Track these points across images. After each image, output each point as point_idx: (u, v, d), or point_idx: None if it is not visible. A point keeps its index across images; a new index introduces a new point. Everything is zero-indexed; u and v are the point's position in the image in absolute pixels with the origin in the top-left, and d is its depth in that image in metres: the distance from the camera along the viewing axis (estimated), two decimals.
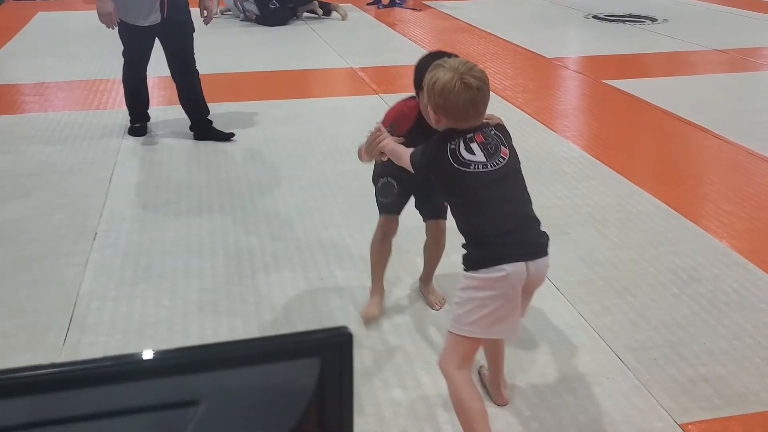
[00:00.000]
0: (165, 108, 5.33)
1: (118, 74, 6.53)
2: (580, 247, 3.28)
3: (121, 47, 4.64)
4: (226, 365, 0.49)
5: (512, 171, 1.98)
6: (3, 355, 2.55)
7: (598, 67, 6.76)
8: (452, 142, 1.95)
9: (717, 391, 2.33)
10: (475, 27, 8.78)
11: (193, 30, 4.67)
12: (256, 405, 0.49)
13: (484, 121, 2.01)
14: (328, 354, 0.50)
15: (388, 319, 2.75)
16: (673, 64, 6.94)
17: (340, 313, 2.80)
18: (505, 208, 1.97)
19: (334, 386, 0.50)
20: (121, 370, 0.49)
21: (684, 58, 7.13)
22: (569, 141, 4.70)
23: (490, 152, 1.95)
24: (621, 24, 8.98)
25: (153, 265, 3.17)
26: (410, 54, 7.25)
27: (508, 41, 7.93)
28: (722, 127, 4.91)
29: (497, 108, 5.41)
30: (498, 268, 1.87)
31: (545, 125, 5.02)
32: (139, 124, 4.87)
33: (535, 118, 5.17)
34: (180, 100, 4.83)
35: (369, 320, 2.71)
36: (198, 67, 4.73)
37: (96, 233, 3.46)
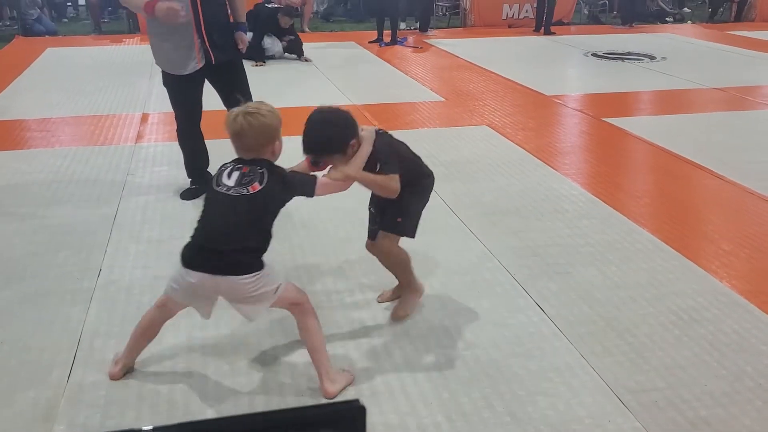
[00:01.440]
0: (168, 144, 5.39)
1: (125, 110, 6.64)
2: (581, 287, 3.30)
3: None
4: None
5: (247, 202, 2.30)
6: (7, 392, 2.57)
7: (598, 105, 6.84)
8: (223, 167, 2.41)
9: None
10: (475, 65, 8.90)
11: (243, 67, 4.37)
12: None
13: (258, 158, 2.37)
14: (343, 425, 0.53)
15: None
16: (672, 102, 7.02)
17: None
18: (210, 224, 2.38)
19: None
20: None
21: (683, 97, 7.21)
22: (569, 179, 4.75)
23: (242, 183, 2.32)
24: (620, 62, 9.10)
25: None
26: (412, 92, 7.36)
27: (507, 79, 8.04)
28: (721, 165, 4.97)
29: (497, 144, 5.48)
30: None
31: (545, 163, 5.07)
32: (196, 186, 4.44)
33: (535, 155, 5.23)
34: None
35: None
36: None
37: (100, 270, 3.49)
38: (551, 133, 5.97)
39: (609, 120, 6.24)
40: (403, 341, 2.88)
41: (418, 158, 2.96)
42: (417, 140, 5.55)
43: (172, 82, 4.23)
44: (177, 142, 4.51)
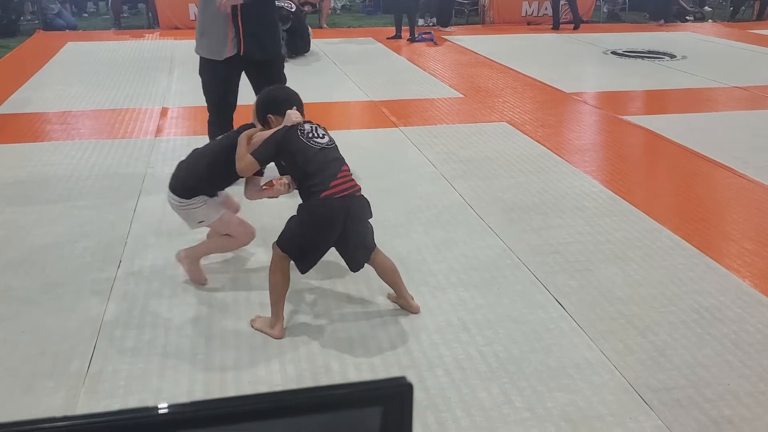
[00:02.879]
0: (187, 138, 5.41)
1: (144, 103, 6.67)
2: (602, 284, 3.28)
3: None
4: (290, 413, 0.51)
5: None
6: (27, 381, 2.58)
7: (618, 103, 6.79)
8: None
9: None
10: (494, 61, 8.87)
11: (282, 63, 4.46)
12: None
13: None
14: (390, 403, 0.52)
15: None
16: (692, 100, 6.96)
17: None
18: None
19: None
20: (184, 417, 0.51)
21: (703, 95, 7.15)
22: (589, 176, 4.71)
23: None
24: (640, 60, 9.03)
25: (176, 293, 3.21)
26: (430, 88, 7.34)
27: (526, 75, 7.99)
28: (743, 164, 4.91)
29: (517, 141, 5.46)
30: None
31: (565, 160, 5.04)
32: None
33: (554, 152, 5.20)
34: None
35: None
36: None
37: (120, 261, 3.50)
38: (571, 131, 5.93)
39: (629, 118, 6.19)
40: (422, 336, 2.86)
41: (320, 177, 2.79)
42: (436, 136, 5.54)
43: (207, 67, 4.34)
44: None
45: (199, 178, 3.15)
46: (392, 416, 0.52)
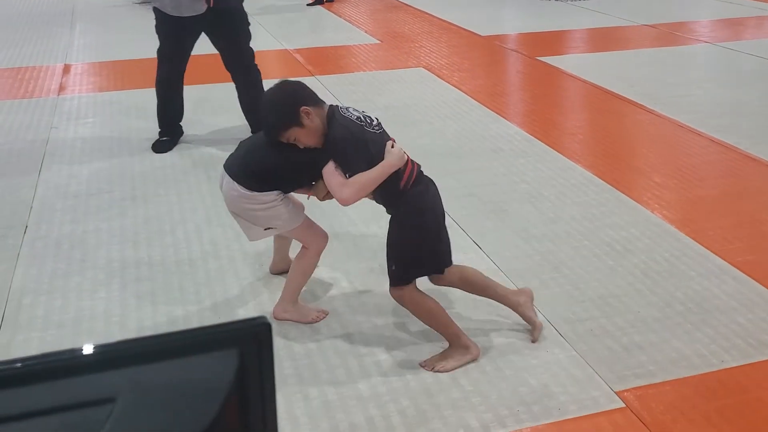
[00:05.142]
0: (93, 95, 5.17)
1: (46, 61, 6.33)
2: (517, 223, 3.33)
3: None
4: (142, 360, 0.48)
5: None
6: None
7: (532, 45, 6.84)
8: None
9: (651, 358, 2.41)
10: (409, 6, 8.77)
11: (246, 17, 4.15)
12: (174, 399, 0.48)
13: None
14: (247, 345, 0.50)
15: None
16: (604, 39, 7.08)
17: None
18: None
19: (254, 377, 0.50)
20: (33, 370, 0.47)
21: (615, 34, 7.27)
22: (505, 119, 4.76)
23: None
24: (554, 1, 9.09)
25: (87, 257, 3.10)
26: (347, 34, 7.22)
27: (443, 20, 7.95)
28: (652, 101, 5.04)
29: (433, 86, 5.44)
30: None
31: (481, 104, 5.06)
32: (166, 137, 4.24)
33: (471, 97, 5.21)
34: (242, 108, 4.29)
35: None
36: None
37: (26, 226, 3.35)
38: (487, 74, 5.95)
39: (543, 59, 6.25)
40: (342, 284, 2.86)
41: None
42: (352, 84, 5.47)
43: (167, 26, 4.00)
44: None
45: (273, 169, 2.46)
46: (250, 359, 0.50)
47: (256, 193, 2.42)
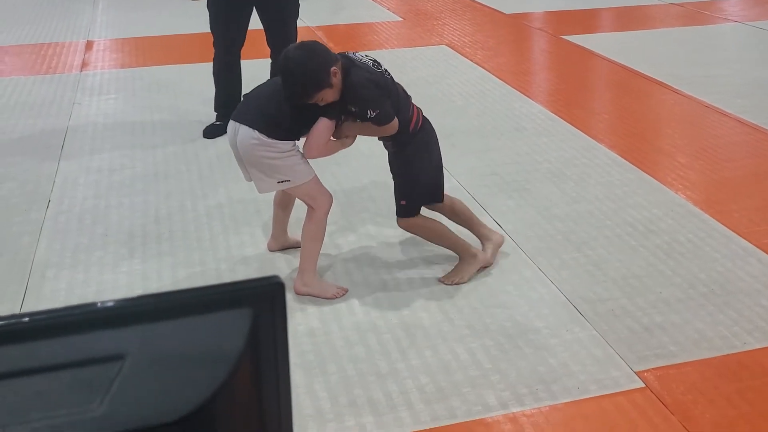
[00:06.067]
0: (115, 71, 5.19)
1: (68, 37, 6.36)
2: (539, 203, 3.30)
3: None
4: (152, 318, 0.48)
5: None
6: None
7: (557, 23, 6.75)
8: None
9: (672, 339, 2.38)
10: None
11: (297, 2, 4.09)
12: (185, 358, 0.48)
13: None
14: (260, 304, 0.49)
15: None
16: (630, 18, 6.96)
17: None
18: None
19: (267, 337, 0.49)
20: (42, 325, 0.47)
21: (641, 13, 7.14)
22: (528, 98, 4.70)
23: None
24: None
25: (110, 231, 3.12)
26: (369, 12, 7.17)
27: None
28: (678, 80, 4.95)
29: (456, 65, 5.39)
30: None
31: (505, 82, 5.00)
32: (220, 122, 4.00)
33: (494, 74, 5.16)
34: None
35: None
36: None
37: (49, 200, 3.38)
38: (511, 52, 5.89)
39: (568, 38, 6.16)
40: (362, 261, 2.86)
41: (405, 104, 2.64)
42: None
43: (215, 1, 3.94)
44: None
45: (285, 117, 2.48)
46: (263, 318, 0.49)
47: (275, 140, 2.44)
